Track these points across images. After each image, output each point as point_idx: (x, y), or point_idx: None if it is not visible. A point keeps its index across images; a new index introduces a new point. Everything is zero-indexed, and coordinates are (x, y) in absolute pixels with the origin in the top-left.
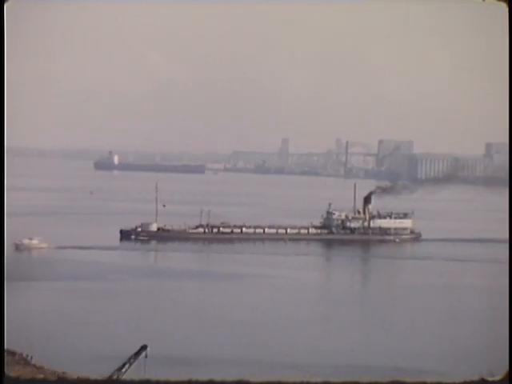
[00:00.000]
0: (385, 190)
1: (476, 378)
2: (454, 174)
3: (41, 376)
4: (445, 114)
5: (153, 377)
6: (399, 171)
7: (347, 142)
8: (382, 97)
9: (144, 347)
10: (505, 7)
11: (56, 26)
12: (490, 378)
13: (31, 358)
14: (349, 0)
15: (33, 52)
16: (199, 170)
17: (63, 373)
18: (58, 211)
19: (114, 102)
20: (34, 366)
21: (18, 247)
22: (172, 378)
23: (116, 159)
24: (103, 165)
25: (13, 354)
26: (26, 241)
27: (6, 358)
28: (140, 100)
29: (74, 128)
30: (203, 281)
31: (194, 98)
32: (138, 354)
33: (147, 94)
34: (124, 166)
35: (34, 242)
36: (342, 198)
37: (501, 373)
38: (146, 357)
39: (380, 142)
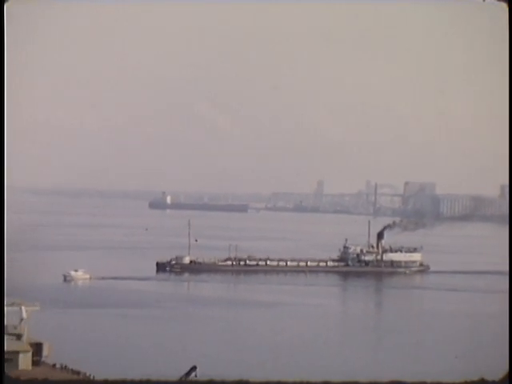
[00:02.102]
0: (413, 225)
1: (476, 378)
2: (472, 213)
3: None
4: (465, 157)
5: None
6: (423, 210)
7: (376, 184)
8: (407, 141)
9: (194, 368)
10: (505, 7)
11: (59, 27)
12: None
13: (93, 377)
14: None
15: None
16: (243, 208)
17: None
18: (116, 246)
19: (164, 146)
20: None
21: (65, 278)
22: (172, 378)
23: (168, 199)
24: (157, 204)
25: (77, 373)
26: (72, 272)
27: (71, 377)
28: (188, 145)
29: (131, 171)
30: (234, 309)
31: (237, 143)
32: (188, 374)
33: (193, 140)
34: (176, 206)
35: (79, 273)
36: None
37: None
38: (196, 377)
39: (406, 183)
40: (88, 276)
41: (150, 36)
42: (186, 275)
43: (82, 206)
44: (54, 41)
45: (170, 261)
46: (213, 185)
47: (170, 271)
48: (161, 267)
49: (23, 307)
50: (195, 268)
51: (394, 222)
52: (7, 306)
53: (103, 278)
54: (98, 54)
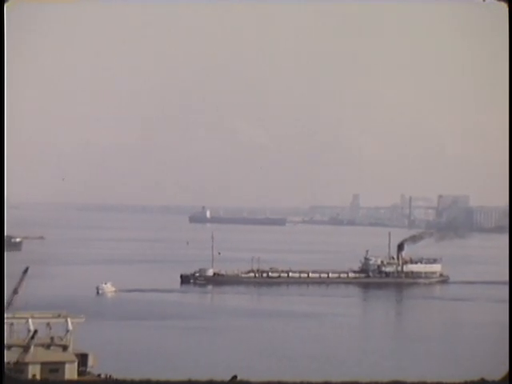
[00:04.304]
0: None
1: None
2: (504, 225)
3: None
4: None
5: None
6: (457, 222)
7: (410, 197)
8: (441, 155)
9: (234, 377)
10: (505, 7)
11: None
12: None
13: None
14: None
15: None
16: (281, 222)
17: None
18: (154, 259)
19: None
20: None
21: (97, 290)
22: (172, 378)
23: (208, 213)
24: (197, 218)
25: (122, 382)
26: (102, 285)
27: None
28: (227, 161)
29: (172, 187)
30: (260, 319)
31: (276, 159)
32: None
33: (231, 157)
34: (215, 220)
35: (108, 286)
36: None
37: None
38: None
39: (440, 196)
40: (114, 289)
41: (158, 37)
42: (210, 287)
43: (125, 221)
44: (53, 41)
45: (194, 273)
46: (252, 199)
47: (194, 283)
48: (185, 279)
49: (69, 319)
50: (218, 280)
51: (415, 235)
52: (54, 317)
53: (129, 291)
54: (102, 55)
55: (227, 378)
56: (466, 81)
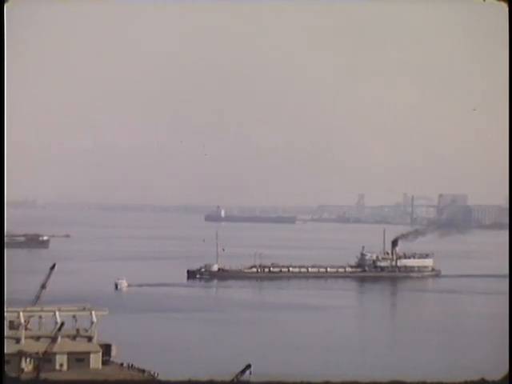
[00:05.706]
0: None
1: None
2: (500, 221)
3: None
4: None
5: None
6: (457, 219)
7: (413, 196)
8: (440, 156)
9: (249, 366)
10: (505, 7)
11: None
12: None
13: (157, 374)
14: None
15: None
16: (291, 220)
17: None
18: (171, 256)
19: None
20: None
21: (116, 285)
22: (172, 378)
23: (223, 213)
24: (212, 217)
25: (142, 371)
26: (119, 281)
27: (138, 375)
28: (242, 165)
29: (189, 187)
30: (260, 312)
31: (286, 163)
32: (243, 371)
33: (244, 160)
34: (230, 218)
35: (124, 281)
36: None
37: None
38: (251, 374)
39: (440, 195)
40: (126, 284)
41: (158, 35)
42: (215, 281)
43: (145, 220)
44: (53, 41)
45: (200, 268)
46: (263, 199)
47: (200, 278)
48: (191, 274)
49: (93, 312)
50: (223, 275)
51: (416, 230)
52: (79, 310)
53: (140, 285)
54: (103, 54)
55: (239, 365)
56: (466, 81)
